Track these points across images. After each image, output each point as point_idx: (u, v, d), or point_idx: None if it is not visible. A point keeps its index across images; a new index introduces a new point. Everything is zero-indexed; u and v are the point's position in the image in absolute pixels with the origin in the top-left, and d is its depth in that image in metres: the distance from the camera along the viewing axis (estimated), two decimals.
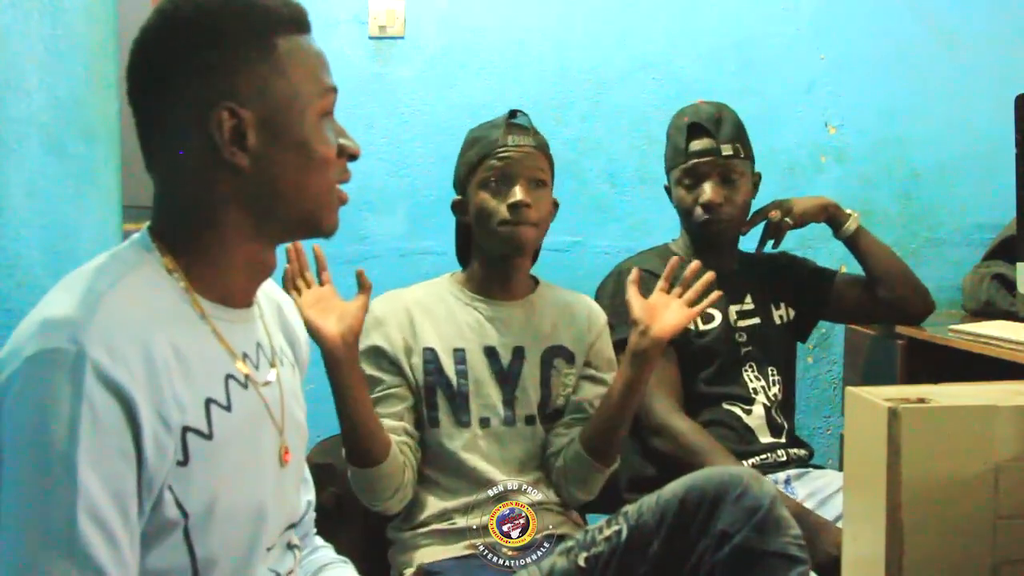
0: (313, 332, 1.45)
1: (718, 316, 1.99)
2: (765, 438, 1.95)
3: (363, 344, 1.65)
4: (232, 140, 0.94)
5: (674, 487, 1.42)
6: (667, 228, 2.55)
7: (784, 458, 1.94)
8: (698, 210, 1.95)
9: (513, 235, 1.65)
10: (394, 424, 1.64)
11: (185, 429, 0.91)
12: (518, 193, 1.64)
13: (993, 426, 1.06)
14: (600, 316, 1.82)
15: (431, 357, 1.68)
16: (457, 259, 1.83)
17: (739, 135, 1.97)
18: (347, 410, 1.52)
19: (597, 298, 2.00)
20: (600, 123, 2.62)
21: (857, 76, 2.65)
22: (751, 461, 1.89)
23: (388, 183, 2.59)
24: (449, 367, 1.68)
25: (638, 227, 2.61)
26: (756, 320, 2.03)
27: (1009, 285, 2.20)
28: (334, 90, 1.01)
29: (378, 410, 1.62)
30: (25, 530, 0.81)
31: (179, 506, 0.90)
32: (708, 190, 1.93)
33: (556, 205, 1.76)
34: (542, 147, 1.72)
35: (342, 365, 1.49)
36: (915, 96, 2.66)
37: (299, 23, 1.00)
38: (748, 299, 2.04)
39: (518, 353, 1.71)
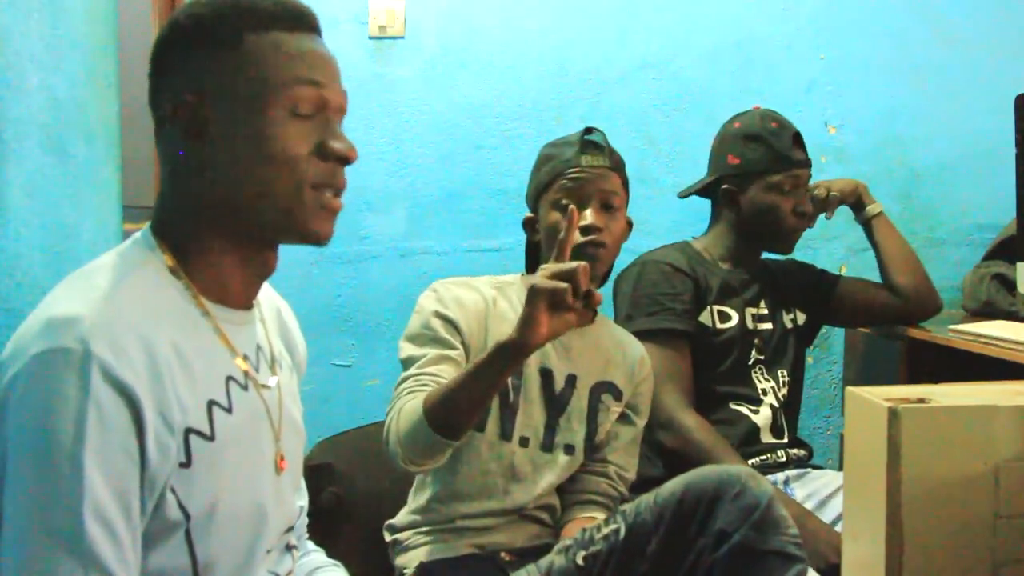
0: (532, 316, 1.29)
1: (735, 316, 2.00)
2: (768, 439, 1.96)
3: (438, 308, 1.60)
4: (190, 132, 0.95)
5: (672, 486, 1.42)
6: (667, 228, 2.55)
7: (784, 459, 1.95)
8: (793, 218, 2.00)
9: (584, 258, 1.54)
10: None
11: (188, 431, 0.91)
12: (589, 216, 1.62)
13: (993, 426, 1.06)
14: (648, 363, 1.78)
15: None
16: (527, 269, 1.78)
17: None
18: (487, 393, 1.39)
19: (615, 288, 2.02)
20: (600, 123, 2.58)
21: (857, 76, 2.65)
22: (751, 461, 1.89)
23: (388, 183, 2.59)
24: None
25: (638, 227, 2.57)
26: (769, 325, 2.05)
27: (1009, 285, 2.20)
28: (318, 85, 0.97)
29: (446, 367, 1.54)
30: (31, 528, 0.82)
31: (181, 507, 0.90)
32: (807, 200, 2.02)
33: (630, 224, 1.73)
34: (617, 166, 1.69)
35: (521, 360, 1.37)
36: (915, 96, 2.66)
37: (285, 20, 0.98)
38: (763, 304, 2.06)
39: (571, 381, 1.67)
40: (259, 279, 1.04)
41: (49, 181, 1.41)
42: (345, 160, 0.99)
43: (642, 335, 1.84)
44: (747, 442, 1.93)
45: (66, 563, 0.81)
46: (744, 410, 1.97)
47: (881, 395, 1.09)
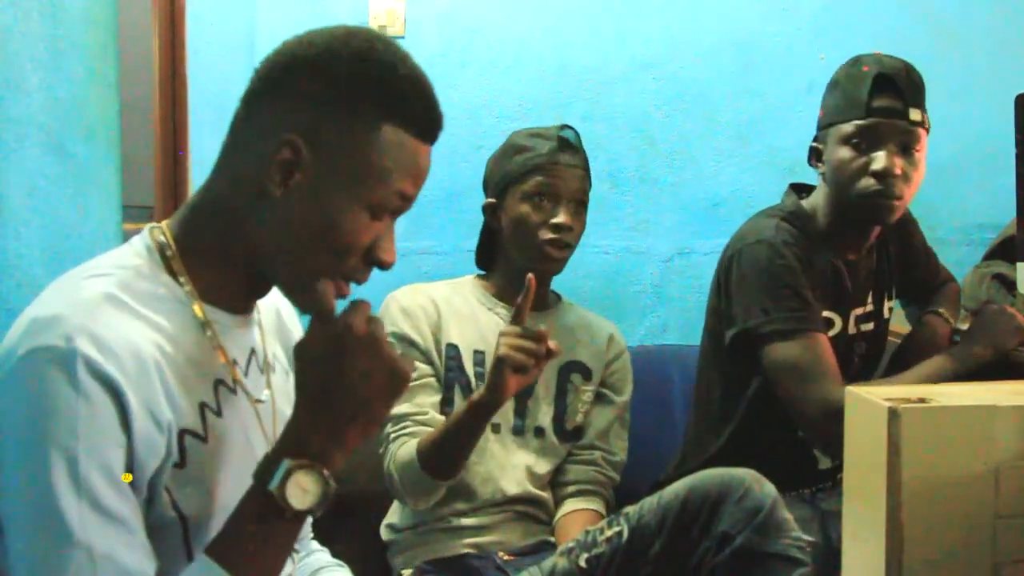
0: (500, 383, 1.44)
1: (838, 323, 1.73)
2: (825, 464, 1.76)
3: (389, 329, 1.65)
4: (279, 168, 0.92)
5: (675, 488, 1.42)
6: (667, 228, 2.55)
7: (829, 484, 1.79)
8: (868, 179, 1.63)
9: (550, 257, 1.66)
10: (435, 417, 1.62)
11: (183, 431, 0.91)
12: (562, 216, 1.65)
13: (993, 426, 1.06)
14: (621, 341, 1.81)
15: (454, 354, 1.67)
16: (476, 261, 1.81)
17: (924, 101, 1.69)
18: (470, 440, 1.52)
19: (740, 283, 1.67)
20: (600, 123, 2.61)
21: None
22: (804, 491, 1.75)
23: None
24: (469, 367, 1.67)
25: (638, 227, 2.61)
26: (871, 324, 1.80)
27: (1009, 285, 2.20)
28: (405, 199, 0.97)
29: (419, 399, 1.61)
30: (36, 529, 0.82)
31: (176, 508, 0.91)
32: (885, 157, 1.62)
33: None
34: (586, 166, 1.73)
35: (494, 413, 1.50)
36: None
37: (422, 129, 0.97)
38: (870, 298, 1.79)
39: None
40: (261, 294, 1.05)
41: (49, 181, 1.41)
42: (381, 266, 0.99)
43: (781, 334, 1.60)
44: (798, 473, 1.72)
45: (75, 559, 0.82)
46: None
47: (881, 395, 1.09)
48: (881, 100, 1.63)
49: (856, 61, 1.71)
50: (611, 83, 2.62)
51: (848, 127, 1.65)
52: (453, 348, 1.67)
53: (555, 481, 1.71)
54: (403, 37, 2.58)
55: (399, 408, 1.60)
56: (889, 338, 2.02)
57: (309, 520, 1.23)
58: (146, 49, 2.70)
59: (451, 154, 2.58)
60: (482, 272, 1.80)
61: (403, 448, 1.56)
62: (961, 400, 1.09)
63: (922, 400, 1.07)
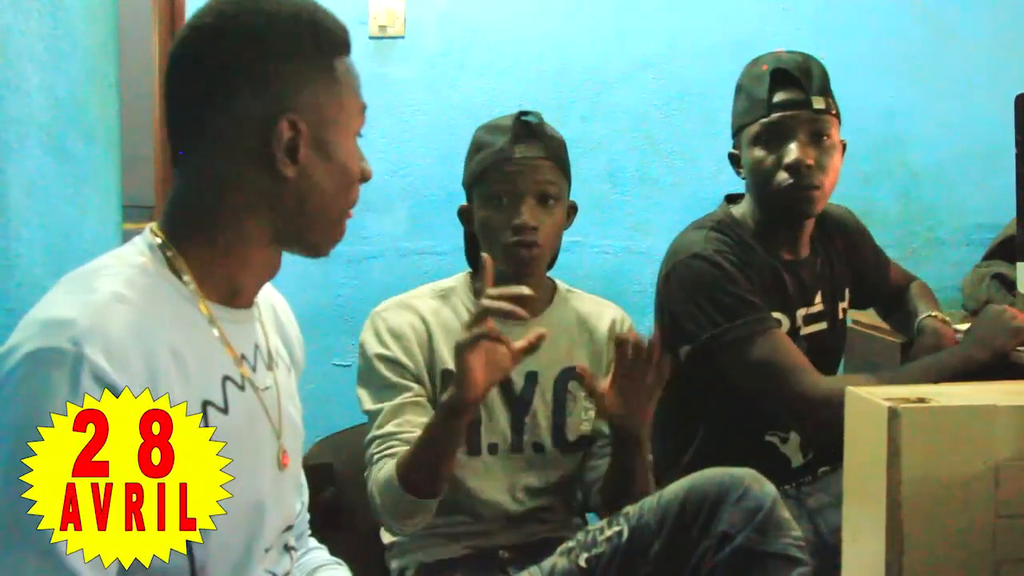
0: (463, 372, 1.33)
1: (786, 323, 1.72)
2: (797, 461, 1.75)
3: (378, 350, 1.57)
4: (285, 151, 0.95)
5: (675, 487, 1.42)
6: (667, 228, 2.54)
7: (809, 479, 1.76)
8: (781, 174, 1.65)
9: (517, 257, 1.54)
10: None
11: None
12: (523, 214, 1.53)
13: (993, 426, 1.06)
14: (624, 324, 1.68)
15: (449, 379, 1.54)
16: (468, 264, 1.72)
17: (829, 88, 1.71)
18: (451, 447, 1.41)
19: (683, 299, 1.68)
20: (600, 123, 2.62)
21: (857, 76, 2.64)
22: (786, 487, 1.70)
23: (388, 183, 2.59)
24: None
25: (638, 227, 2.61)
26: (823, 324, 1.79)
27: (1009, 285, 2.20)
28: (366, 108, 1.04)
29: (407, 417, 1.52)
30: (4, 523, 0.80)
31: None
32: (795, 149, 1.63)
33: (574, 208, 1.64)
34: (553, 154, 1.57)
35: (468, 413, 1.38)
36: (915, 96, 2.66)
37: (347, 44, 1.02)
38: (818, 298, 1.78)
39: (531, 379, 1.61)
40: (266, 279, 1.04)
41: (49, 181, 1.41)
42: (366, 179, 1.04)
43: (741, 341, 1.61)
44: (775, 473, 1.63)
45: (33, 564, 0.80)
46: (775, 440, 1.73)
47: (881, 395, 1.09)
48: (781, 95, 1.66)
49: (756, 61, 1.73)
50: (611, 83, 2.62)
51: (755, 127, 1.68)
52: (448, 374, 1.54)
53: (582, 478, 1.66)
54: (403, 37, 2.58)
55: (384, 428, 1.52)
56: (866, 331, 2.07)
57: (306, 517, 1.23)
58: (146, 49, 2.71)
59: (451, 154, 2.57)
60: (473, 270, 1.70)
61: (384, 468, 1.48)
62: (961, 400, 1.09)
63: (922, 400, 1.07)
